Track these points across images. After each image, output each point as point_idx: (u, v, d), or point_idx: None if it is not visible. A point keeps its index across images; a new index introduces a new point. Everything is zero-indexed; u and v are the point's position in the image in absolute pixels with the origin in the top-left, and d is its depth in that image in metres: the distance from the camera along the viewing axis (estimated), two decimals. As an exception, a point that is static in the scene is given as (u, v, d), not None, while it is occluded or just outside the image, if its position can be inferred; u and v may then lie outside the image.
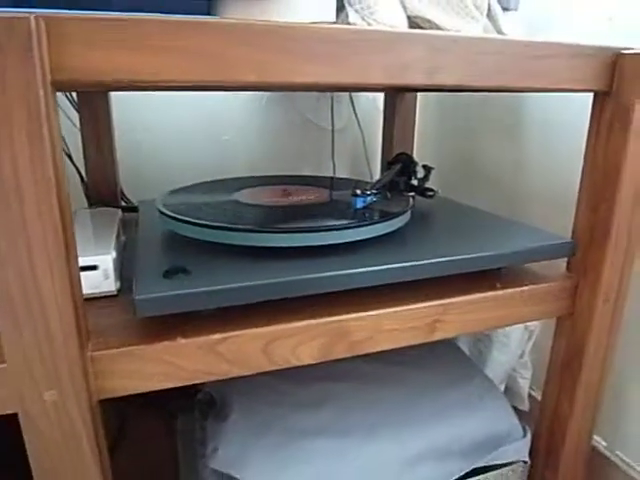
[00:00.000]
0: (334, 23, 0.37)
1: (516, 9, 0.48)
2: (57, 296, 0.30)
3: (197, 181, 0.60)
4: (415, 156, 0.87)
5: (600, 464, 0.63)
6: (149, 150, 0.80)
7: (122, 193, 0.75)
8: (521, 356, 0.70)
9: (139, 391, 0.35)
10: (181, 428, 0.59)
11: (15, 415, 0.32)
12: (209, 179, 0.62)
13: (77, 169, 0.75)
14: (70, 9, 0.28)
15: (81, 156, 0.70)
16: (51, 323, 0.30)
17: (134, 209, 0.65)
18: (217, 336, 0.36)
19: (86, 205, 0.74)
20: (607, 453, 0.62)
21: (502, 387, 0.71)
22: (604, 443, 0.63)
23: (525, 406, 0.70)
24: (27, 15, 0.25)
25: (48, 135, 0.27)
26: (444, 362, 0.59)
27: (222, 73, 0.31)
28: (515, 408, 0.56)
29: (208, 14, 0.34)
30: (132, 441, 0.64)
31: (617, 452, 0.62)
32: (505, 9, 0.47)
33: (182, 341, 0.35)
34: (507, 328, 0.69)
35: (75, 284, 0.31)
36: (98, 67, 0.28)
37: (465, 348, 0.73)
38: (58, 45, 0.27)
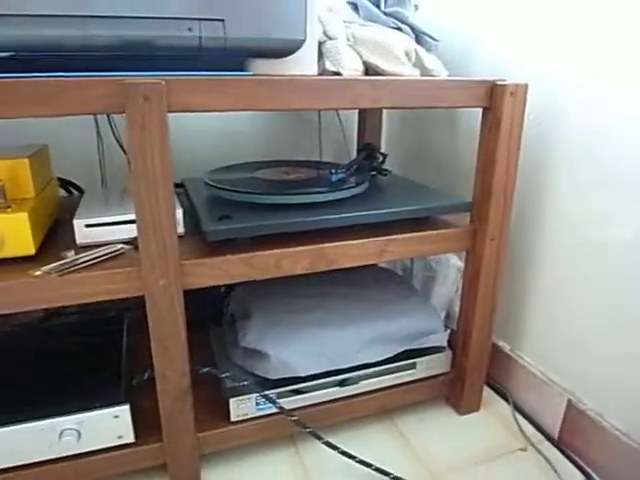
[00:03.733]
0: (318, 74, 0.62)
1: (436, 50, 0.74)
2: (169, 228, 0.55)
3: (218, 164, 0.86)
4: (383, 145, 1.13)
5: (506, 362, 0.90)
6: (179, 140, 1.05)
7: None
8: (456, 290, 0.96)
9: (205, 285, 0.61)
10: (213, 336, 0.85)
11: (142, 297, 0.58)
12: (225, 163, 0.87)
13: (127, 155, 1.00)
14: (173, 71, 0.53)
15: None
16: (166, 242, 0.56)
17: (179, 185, 0.90)
18: (249, 254, 0.62)
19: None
20: (511, 354, 0.89)
21: (444, 313, 0.98)
22: (508, 347, 0.90)
23: (458, 325, 0.97)
24: (160, 80, 0.51)
25: (165, 142, 0.53)
26: (390, 285, 0.86)
27: (252, 105, 0.56)
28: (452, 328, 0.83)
29: (241, 70, 0.59)
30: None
31: (518, 352, 0.89)
32: (428, 50, 0.72)
33: (229, 256, 0.61)
34: (445, 269, 0.95)
35: (175, 224, 0.57)
36: (189, 103, 0.53)
37: (417, 284, 1.00)
38: (171, 93, 0.52)
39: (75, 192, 0.95)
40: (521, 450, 0.78)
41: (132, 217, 0.64)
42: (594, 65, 0.68)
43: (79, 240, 0.63)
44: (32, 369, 0.71)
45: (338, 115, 1.11)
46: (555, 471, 0.74)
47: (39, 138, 0.91)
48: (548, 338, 0.81)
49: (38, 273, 0.56)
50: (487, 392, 0.90)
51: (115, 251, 0.62)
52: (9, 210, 0.58)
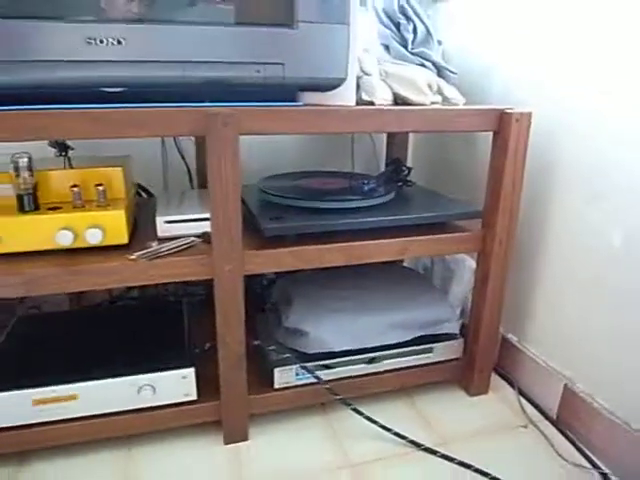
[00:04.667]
0: (356, 103, 0.76)
1: (455, 81, 0.87)
2: (236, 224, 0.70)
3: (262, 173, 1.01)
4: (409, 159, 1.27)
5: (514, 353, 1.02)
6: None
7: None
8: (470, 289, 1.09)
9: (261, 272, 0.76)
10: (258, 320, 1.00)
11: (197, 286, 0.73)
12: (267, 173, 1.02)
13: (187, 165, 1.17)
14: (242, 102, 0.68)
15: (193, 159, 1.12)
16: (233, 236, 0.71)
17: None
18: (296, 247, 0.76)
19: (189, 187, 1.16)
20: (518, 345, 1.01)
21: (459, 309, 1.11)
22: (516, 339, 1.02)
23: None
24: (234, 110, 0.66)
25: (237, 158, 0.68)
26: (412, 281, 0.99)
27: (303, 129, 0.71)
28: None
29: (293, 100, 0.74)
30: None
31: (524, 344, 1.01)
32: (447, 81, 0.86)
33: (280, 249, 0.76)
34: (461, 270, 1.08)
35: (240, 222, 0.72)
36: (256, 128, 0.68)
37: (437, 282, 1.13)
38: (242, 120, 0.67)
39: (144, 194, 1.12)
40: (522, 427, 0.90)
41: (202, 216, 0.79)
42: (595, 90, 0.80)
43: (160, 233, 0.79)
44: (115, 339, 0.87)
45: (370, 134, 1.25)
46: (551, 445, 0.85)
47: (113, 150, 1.08)
48: (550, 332, 0.93)
49: (133, 257, 0.71)
50: (496, 379, 1.02)
51: (189, 243, 0.77)
52: (109, 208, 0.75)
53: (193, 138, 1.13)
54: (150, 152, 1.17)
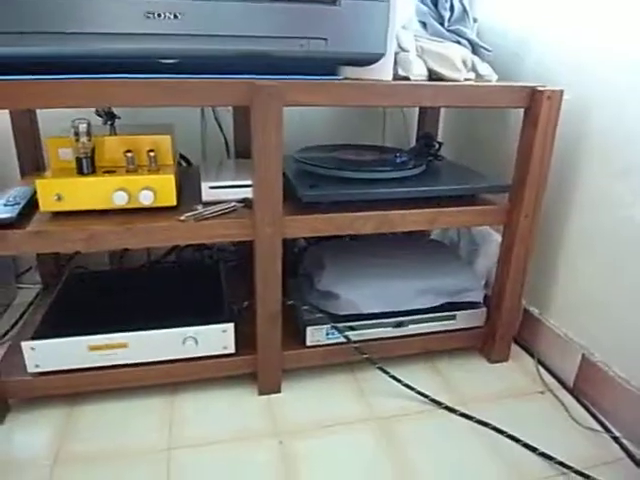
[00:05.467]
0: (392, 78, 0.80)
1: (489, 58, 0.90)
2: (277, 190, 0.75)
3: (298, 145, 1.05)
4: (440, 134, 1.29)
5: (535, 324, 1.06)
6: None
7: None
8: (495, 263, 1.12)
9: (297, 236, 0.81)
10: (291, 284, 1.05)
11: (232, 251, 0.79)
12: (303, 145, 1.06)
13: (224, 136, 1.22)
14: (286, 75, 0.73)
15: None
16: (274, 200, 0.76)
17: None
18: (330, 215, 0.81)
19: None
20: (540, 317, 1.05)
21: (484, 281, 1.15)
22: (537, 311, 1.06)
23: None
24: (278, 83, 0.70)
25: (280, 127, 0.73)
26: (439, 251, 1.04)
27: (342, 102, 0.75)
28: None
29: (334, 74, 0.78)
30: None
31: (545, 316, 1.05)
32: (482, 59, 0.89)
33: (316, 215, 0.81)
34: (487, 244, 1.12)
35: (281, 188, 0.77)
36: (298, 100, 0.73)
37: (463, 255, 1.17)
38: (285, 92, 0.72)
39: (183, 163, 1.18)
40: (539, 393, 0.94)
41: (244, 182, 0.85)
42: (628, 63, 0.82)
43: (204, 197, 0.84)
44: (160, 296, 0.95)
45: (402, 109, 1.28)
46: (566, 410, 0.90)
47: (154, 118, 1.13)
48: (571, 305, 0.97)
49: (182, 218, 0.77)
50: (516, 349, 1.06)
51: (231, 207, 0.83)
52: (160, 172, 0.80)
53: (231, 110, 1.17)
54: (189, 123, 1.22)
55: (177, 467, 0.75)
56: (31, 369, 0.81)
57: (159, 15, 0.67)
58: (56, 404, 0.87)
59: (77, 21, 0.65)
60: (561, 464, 0.76)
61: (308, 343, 0.90)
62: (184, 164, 1.18)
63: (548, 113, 0.83)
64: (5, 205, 0.79)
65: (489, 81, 0.89)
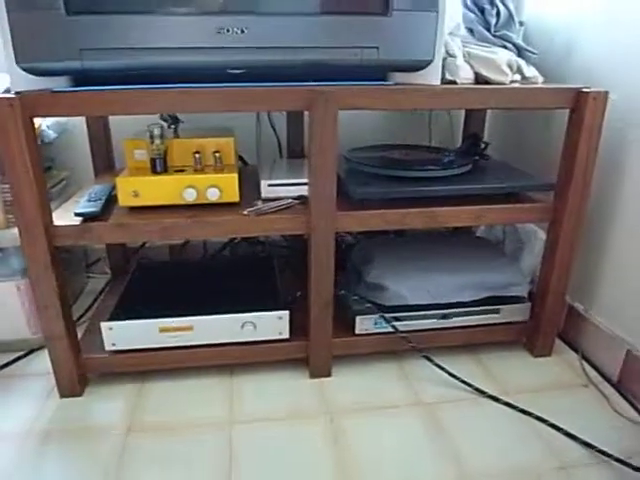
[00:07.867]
0: (441, 82, 0.85)
1: (535, 61, 0.93)
2: (331, 188, 0.82)
3: (347, 146, 1.11)
4: (486, 135, 1.32)
5: (579, 321, 1.07)
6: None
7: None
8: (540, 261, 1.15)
9: (349, 230, 0.87)
10: (341, 276, 1.11)
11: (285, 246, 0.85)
12: (353, 145, 1.12)
13: (277, 137, 1.30)
14: (340, 81, 0.79)
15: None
16: (328, 197, 0.82)
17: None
18: (381, 210, 0.87)
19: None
20: (584, 314, 1.07)
21: (529, 278, 1.17)
22: (582, 307, 1.08)
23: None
24: (335, 89, 0.77)
25: (336, 130, 0.79)
26: (484, 248, 1.07)
27: (394, 106, 0.80)
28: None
29: (384, 79, 0.83)
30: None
31: (590, 312, 1.06)
32: (527, 62, 0.92)
33: (367, 211, 0.86)
34: (532, 242, 1.14)
35: (335, 186, 0.83)
36: (353, 104, 0.79)
37: (509, 251, 1.20)
38: (341, 97, 0.78)
39: (240, 163, 1.26)
40: (583, 386, 0.97)
41: (300, 180, 0.92)
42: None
43: (263, 194, 0.92)
44: (221, 285, 1.03)
45: (449, 111, 1.32)
46: (609, 403, 0.92)
47: (213, 121, 1.22)
48: (616, 301, 0.98)
49: (245, 212, 0.85)
50: (559, 345, 1.08)
51: (288, 203, 0.90)
52: (225, 171, 0.88)
53: (285, 113, 1.25)
54: (244, 125, 1.30)
55: (239, 439, 0.83)
56: (108, 347, 0.91)
57: (228, 30, 0.74)
58: (129, 380, 0.96)
59: (160, 38, 0.74)
60: (602, 452, 0.79)
61: (357, 331, 0.96)
62: (241, 164, 1.26)
63: (593, 114, 0.85)
64: (89, 201, 0.89)
65: (535, 83, 0.92)
